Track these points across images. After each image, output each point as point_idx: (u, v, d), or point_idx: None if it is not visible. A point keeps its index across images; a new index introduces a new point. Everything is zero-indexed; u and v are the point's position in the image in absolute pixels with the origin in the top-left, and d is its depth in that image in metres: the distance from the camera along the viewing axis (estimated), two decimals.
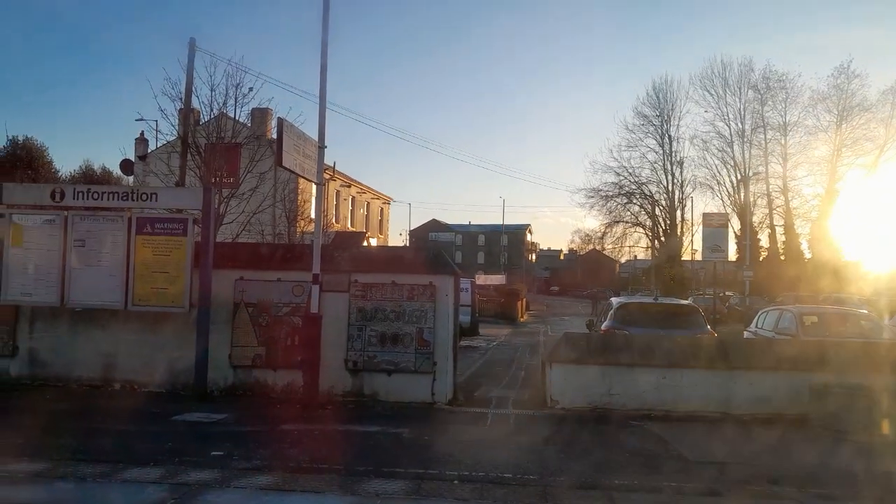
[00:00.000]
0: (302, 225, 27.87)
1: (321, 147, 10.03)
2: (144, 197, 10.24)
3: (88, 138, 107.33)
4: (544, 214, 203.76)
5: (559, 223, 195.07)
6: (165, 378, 10.25)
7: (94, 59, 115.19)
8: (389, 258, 11.48)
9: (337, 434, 8.01)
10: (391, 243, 51.85)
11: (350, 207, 43.06)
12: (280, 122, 9.55)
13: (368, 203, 46.86)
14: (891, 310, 20.10)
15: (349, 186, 41.99)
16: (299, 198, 28.20)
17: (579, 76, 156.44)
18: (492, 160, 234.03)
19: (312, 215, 28.54)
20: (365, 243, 37.33)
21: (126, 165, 24.14)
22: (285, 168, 9.68)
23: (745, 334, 16.18)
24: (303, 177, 10.42)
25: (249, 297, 10.23)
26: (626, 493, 5.91)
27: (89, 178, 39.64)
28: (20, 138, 35.55)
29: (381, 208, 50.22)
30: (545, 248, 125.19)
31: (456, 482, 6.04)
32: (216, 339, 9.97)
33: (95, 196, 10.28)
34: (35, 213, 10.34)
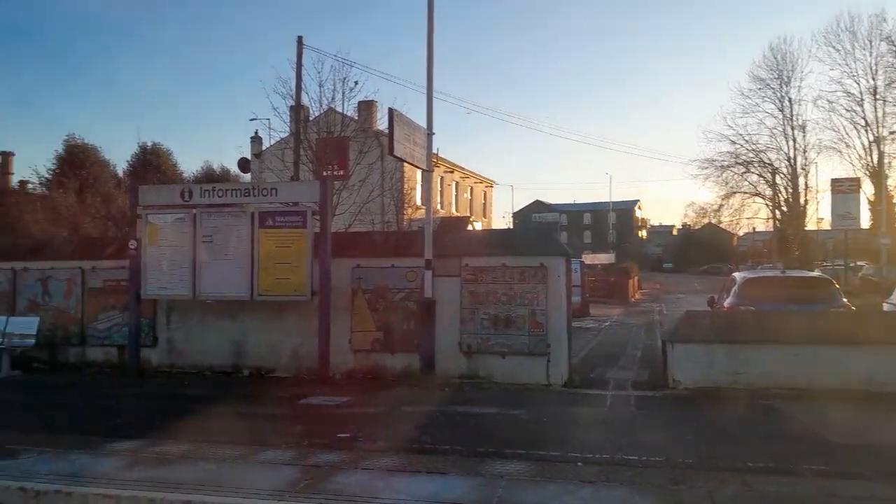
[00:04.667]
0: (409, 212, 28.37)
1: (430, 134, 10.13)
2: (265, 192, 10.70)
3: (206, 139, 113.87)
4: (654, 189, 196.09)
5: (671, 197, 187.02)
6: (290, 363, 10.74)
7: (209, 64, 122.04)
8: (498, 241, 11.44)
9: (456, 415, 8.09)
10: (495, 226, 51.81)
11: (454, 192, 43.33)
12: (391, 112, 9.70)
13: (471, 187, 46.97)
14: None
15: (452, 172, 42.24)
16: (405, 186, 28.71)
17: (685, 41, 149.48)
18: (595, 135, 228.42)
19: (418, 202, 29.05)
20: (469, 227, 37.53)
21: (244, 164, 25.50)
22: (397, 157, 9.84)
23: (885, 307, 14.99)
24: (413, 164, 10.55)
25: (366, 283, 10.53)
26: (763, 475, 5.61)
27: (210, 177, 42.06)
28: (149, 144, 38.23)
29: (484, 192, 50.20)
30: (656, 224, 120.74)
31: (580, 464, 5.96)
32: (336, 325, 10.30)
33: (220, 194, 10.86)
34: (167, 212, 11.02)
